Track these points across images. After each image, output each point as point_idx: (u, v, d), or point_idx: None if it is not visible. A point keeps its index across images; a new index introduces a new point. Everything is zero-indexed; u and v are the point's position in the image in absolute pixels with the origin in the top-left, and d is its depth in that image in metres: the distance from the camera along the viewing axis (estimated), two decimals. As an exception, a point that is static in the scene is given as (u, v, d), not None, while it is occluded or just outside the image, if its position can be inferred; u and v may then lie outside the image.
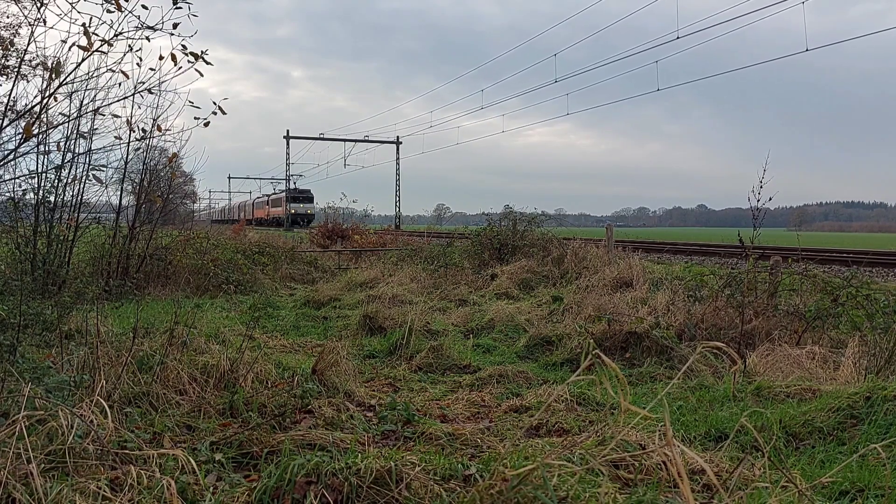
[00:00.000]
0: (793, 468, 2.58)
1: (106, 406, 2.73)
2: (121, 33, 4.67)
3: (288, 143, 49.25)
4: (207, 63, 4.93)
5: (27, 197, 6.96)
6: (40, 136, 5.83)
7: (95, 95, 6.49)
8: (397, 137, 50.73)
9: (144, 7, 4.56)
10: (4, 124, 4.87)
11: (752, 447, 2.91)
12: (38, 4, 4.63)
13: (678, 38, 18.59)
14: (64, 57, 5.08)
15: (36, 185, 6.94)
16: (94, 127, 7.16)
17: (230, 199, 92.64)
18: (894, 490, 2.42)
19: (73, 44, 4.72)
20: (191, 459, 2.49)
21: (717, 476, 2.43)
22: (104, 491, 2.19)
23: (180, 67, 4.91)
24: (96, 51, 4.63)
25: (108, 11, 4.51)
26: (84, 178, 7.52)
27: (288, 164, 49.78)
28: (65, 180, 7.31)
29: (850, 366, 4.11)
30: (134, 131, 6.36)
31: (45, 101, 5.01)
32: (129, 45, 4.83)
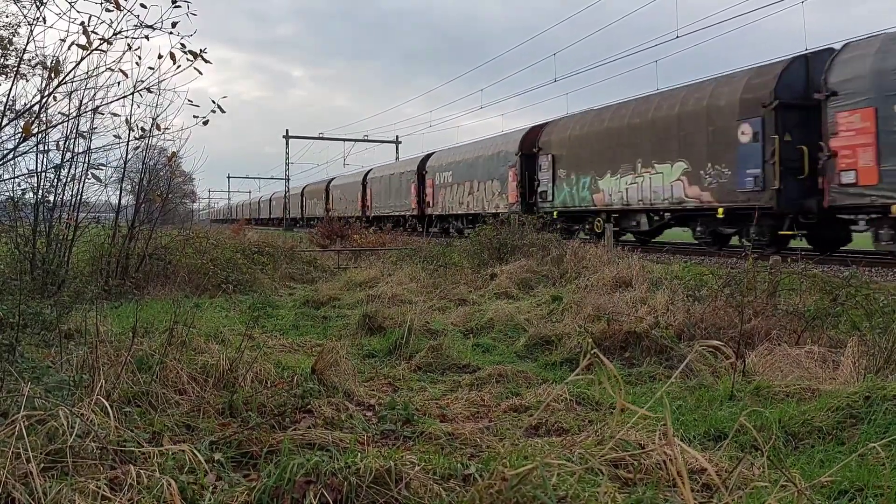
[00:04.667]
0: (792, 467, 2.59)
1: (107, 405, 2.73)
2: (120, 32, 4.67)
3: (287, 143, 49.22)
4: (206, 62, 4.93)
5: (26, 196, 6.96)
6: (39, 135, 5.83)
7: (95, 94, 6.49)
8: (396, 137, 50.68)
9: (143, 6, 4.56)
10: (3, 123, 4.87)
11: (752, 447, 2.91)
12: (38, 3, 4.63)
13: (678, 37, 18.34)
14: (63, 56, 5.08)
15: (35, 185, 6.93)
16: (94, 126, 7.16)
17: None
18: (893, 489, 2.42)
19: (73, 43, 4.72)
20: (198, 455, 2.49)
21: (717, 475, 2.43)
22: (104, 490, 2.19)
23: (179, 66, 4.91)
24: (95, 49, 4.63)
25: (107, 10, 4.51)
26: (83, 177, 7.52)
27: (287, 164, 49.72)
28: (64, 179, 7.31)
29: (850, 365, 4.11)
30: (133, 130, 6.37)
31: (44, 100, 5.02)
32: (128, 44, 4.83)
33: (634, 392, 4.07)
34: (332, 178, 42.56)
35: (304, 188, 49.28)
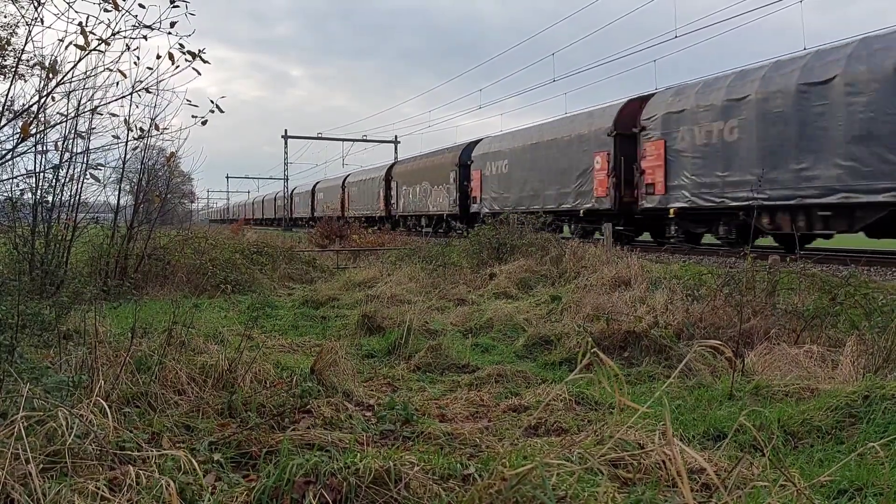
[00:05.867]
0: (791, 467, 2.59)
1: (105, 406, 2.73)
2: (118, 32, 4.67)
3: (286, 143, 49.22)
4: (205, 62, 4.93)
5: (25, 197, 6.94)
6: (38, 135, 5.82)
7: (93, 95, 6.48)
8: (395, 137, 50.74)
9: (142, 6, 4.57)
10: (2, 124, 4.87)
11: (751, 446, 2.91)
12: (36, 3, 4.62)
13: (676, 36, 18.44)
14: (61, 56, 5.08)
15: (34, 185, 6.92)
16: (92, 126, 7.14)
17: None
18: (893, 488, 2.42)
19: (71, 43, 4.72)
20: (192, 460, 2.49)
21: (716, 475, 2.43)
22: (103, 491, 2.19)
23: (178, 66, 4.91)
24: (94, 50, 4.63)
25: (106, 10, 4.51)
26: (82, 177, 7.51)
27: (286, 164, 49.72)
28: (62, 180, 7.30)
29: (849, 364, 4.12)
30: (132, 130, 6.37)
31: (42, 100, 5.01)
32: (127, 45, 4.83)
33: (634, 392, 4.07)
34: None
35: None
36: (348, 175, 39.91)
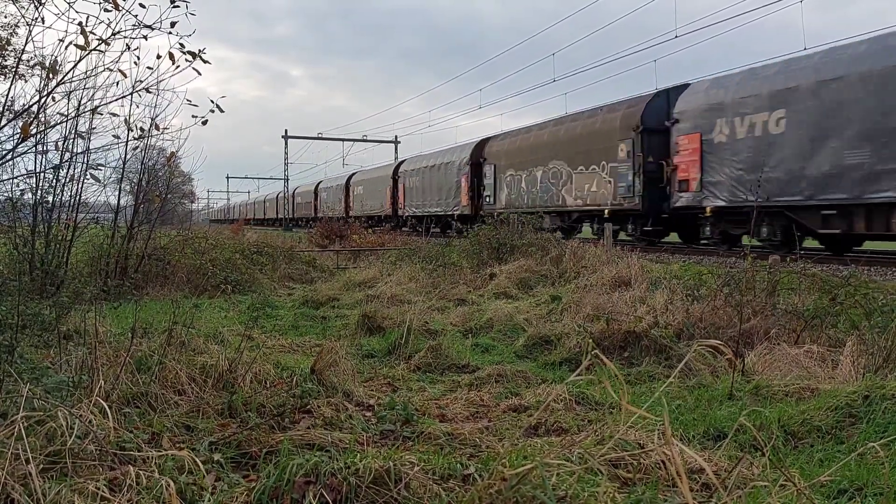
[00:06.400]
0: (791, 467, 2.59)
1: (105, 406, 2.73)
2: (118, 32, 4.67)
3: (286, 143, 49.27)
4: (205, 62, 4.93)
5: (25, 197, 6.94)
6: (38, 135, 5.82)
7: (93, 95, 6.47)
8: (395, 137, 50.79)
9: (142, 6, 4.57)
10: (2, 124, 4.87)
11: (751, 446, 2.91)
12: (36, 3, 4.62)
13: (676, 37, 18.26)
14: (61, 56, 5.08)
15: (34, 185, 6.92)
16: (93, 126, 7.14)
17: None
18: (893, 488, 2.42)
19: (71, 43, 4.73)
20: (197, 460, 2.49)
21: (716, 475, 2.43)
22: (103, 491, 2.19)
23: (178, 66, 4.91)
24: (94, 50, 4.63)
25: (106, 10, 4.51)
26: (82, 177, 7.51)
27: (286, 164, 49.77)
28: (63, 180, 7.30)
29: (849, 364, 4.12)
30: (132, 130, 6.37)
31: (42, 100, 5.02)
32: (127, 45, 4.83)
33: (634, 392, 4.07)
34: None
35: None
36: (402, 162, 32.78)
